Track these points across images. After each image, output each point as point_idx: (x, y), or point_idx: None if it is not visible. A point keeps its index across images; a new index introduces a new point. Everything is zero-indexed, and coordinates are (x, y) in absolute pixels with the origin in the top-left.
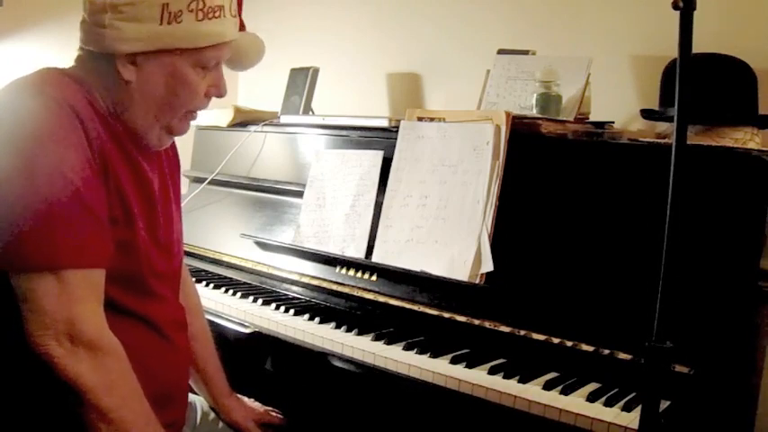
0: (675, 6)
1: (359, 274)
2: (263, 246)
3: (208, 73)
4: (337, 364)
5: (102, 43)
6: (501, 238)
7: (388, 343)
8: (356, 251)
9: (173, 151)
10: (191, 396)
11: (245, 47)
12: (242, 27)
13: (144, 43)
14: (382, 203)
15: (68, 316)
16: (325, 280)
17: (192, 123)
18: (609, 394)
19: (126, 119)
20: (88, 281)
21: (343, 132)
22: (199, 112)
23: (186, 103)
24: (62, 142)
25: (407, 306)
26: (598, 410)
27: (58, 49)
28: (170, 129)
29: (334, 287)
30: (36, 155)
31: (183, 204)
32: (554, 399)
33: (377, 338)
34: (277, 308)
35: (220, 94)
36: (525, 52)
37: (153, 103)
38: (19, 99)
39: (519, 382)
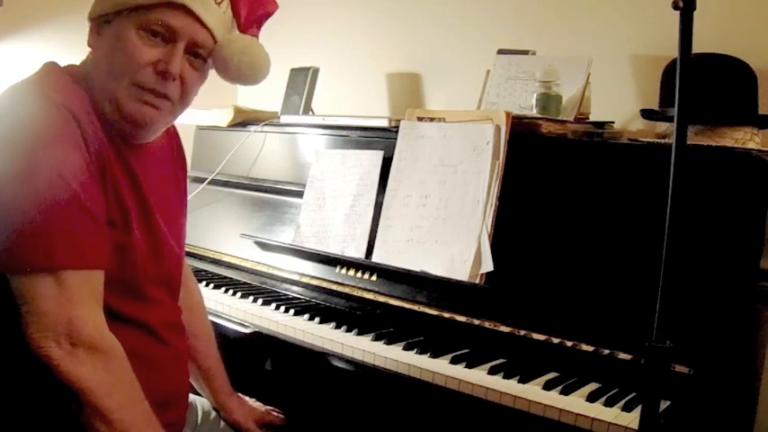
0: (675, 6)
1: (359, 274)
2: (263, 246)
3: (160, 45)
4: (337, 364)
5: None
6: (501, 238)
7: (388, 343)
8: (356, 251)
9: (179, 152)
10: (191, 396)
11: (225, 43)
12: (246, 29)
13: (101, 6)
14: (382, 203)
15: (68, 317)
16: (325, 280)
17: (192, 123)
18: (609, 394)
19: (96, 100)
20: (87, 282)
21: (343, 132)
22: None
23: (125, 69)
24: (59, 144)
25: (407, 306)
26: (598, 410)
27: (59, 49)
28: (119, 106)
29: (334, 287)
30: (34, 157)
31: None
32: (554, 399)
33: (377, 338)
34: (277, 308)
35: (167, 71)
36: (525, 52)
37: (100, 69)
38: (17, 101)
39: (519, 382)
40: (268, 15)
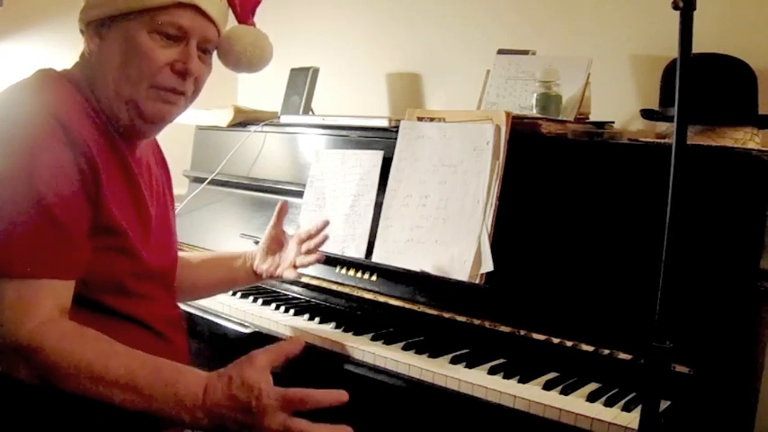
0: (675, 6)
1: (359, 274)
2: None
3: (173, 45)
4: (337, 364)
5: (80, 19)
6: (501, 238)
7: (388, 343)
8: (356, 251)
9: (160, 152)
10: None
11: (236, 38)
12: (245, 19)
13: (101, 9)
14: (382, 203)
15: (20, 326)
16: (325, 280)
17: (192, 123)
18: (609, 394)
19: (100, 103)
20: (46, 291)
21: (343, 132)
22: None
23: (143, 73)
24: (38, 156)
25: (407, 306)
26: (598, 410)
27: (58, 49)
28: (137, 107)
29: (334, 287)
30: (8, 165)
31: (182, 204)
32: (554, 399)
33: (376, 338)
34: (277, 308)
35: (185, 70)
36: (525, 52)
37: (111, 73)
38: (5, 109)
39: (519, 382)
40: (258, 3)
